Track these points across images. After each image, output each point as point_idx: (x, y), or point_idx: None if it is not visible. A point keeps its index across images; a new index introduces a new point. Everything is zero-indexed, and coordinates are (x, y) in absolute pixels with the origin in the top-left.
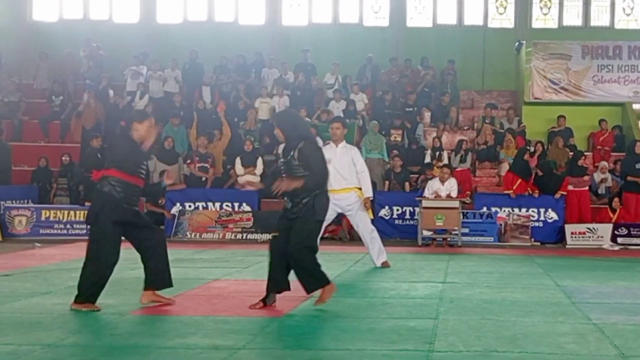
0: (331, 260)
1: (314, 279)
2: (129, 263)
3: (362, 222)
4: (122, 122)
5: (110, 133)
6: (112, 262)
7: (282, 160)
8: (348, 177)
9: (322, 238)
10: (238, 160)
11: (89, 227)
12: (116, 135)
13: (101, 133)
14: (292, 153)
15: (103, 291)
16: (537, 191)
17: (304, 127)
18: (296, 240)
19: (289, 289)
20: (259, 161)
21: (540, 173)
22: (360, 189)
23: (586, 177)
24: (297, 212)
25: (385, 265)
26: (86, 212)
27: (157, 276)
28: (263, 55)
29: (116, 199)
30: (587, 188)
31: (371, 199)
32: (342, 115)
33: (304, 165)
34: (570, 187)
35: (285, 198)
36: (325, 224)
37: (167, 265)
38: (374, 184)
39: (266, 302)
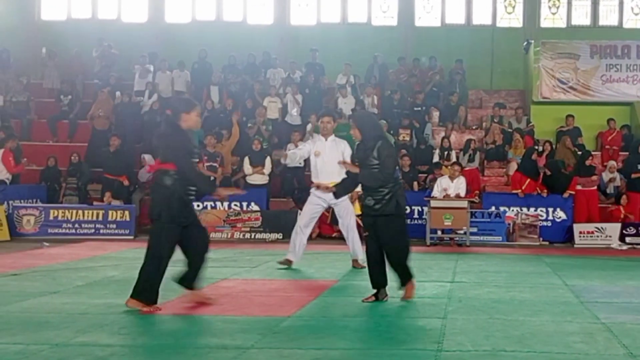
0: (340, 259)
1: (407, 273)
2: (139, 262)
3: (346, 215)
4: (167, 110)
5: (158, 125)
6: (167, 257)
7: (356, 157)
8: (336, 171)
9: (332, 237)
10: (246, 160)
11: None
12: (166, 127)
13: (110, 132)
14: (371, 152)
15: (113, 290)
16: (545, 190)
17: (379, 128)
18: (389, 240)
19: (385, 284)
20: (267, 160)
21: (548, 172)
22: None
23: (594, 177)
24: (381, 209)
25: (357, 265)
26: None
27: (196, 276)
28: (270, 55)
29: (179, 192)
30: (595, 188)
31: (359, 193)
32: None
33: (381, 162)
34: (578, 187)
35: (367, 196)
36: (309, 217)
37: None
38: None
39: (378, 297)
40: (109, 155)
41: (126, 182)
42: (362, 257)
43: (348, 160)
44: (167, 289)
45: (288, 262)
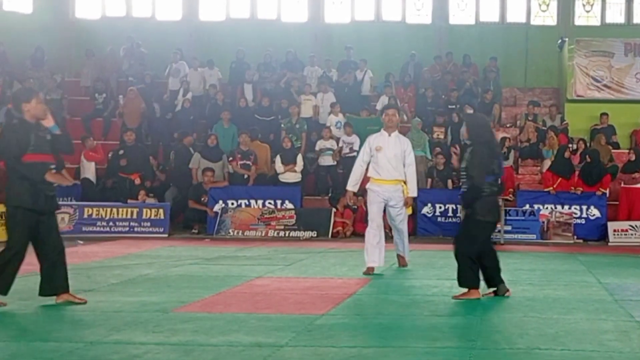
0: None
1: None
2: (173, 260)
3: (400, 219)
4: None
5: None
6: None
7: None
8: (397, 169)
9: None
10: (278, 158)
11: None
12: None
13: (142, 131)
14: (466, 153)
15: (147, 288)
16: (579, 188)
17: (485, 133)
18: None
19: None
20: (299, 158)
21: (589, 160)
22: (405, 182)
23: (636, 174)
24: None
25: (403, 264)
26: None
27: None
28: (302, 53)
29: None
30: None
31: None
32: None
33: (466, 166)
34: (622, 185)
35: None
36: (379, 217)
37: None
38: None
39: (497, 292)
40: (119, 154)
41: (138, 181)
42: (408, 255)
43: (408, 160)
44: (198, 286)
45: (370, 270)
